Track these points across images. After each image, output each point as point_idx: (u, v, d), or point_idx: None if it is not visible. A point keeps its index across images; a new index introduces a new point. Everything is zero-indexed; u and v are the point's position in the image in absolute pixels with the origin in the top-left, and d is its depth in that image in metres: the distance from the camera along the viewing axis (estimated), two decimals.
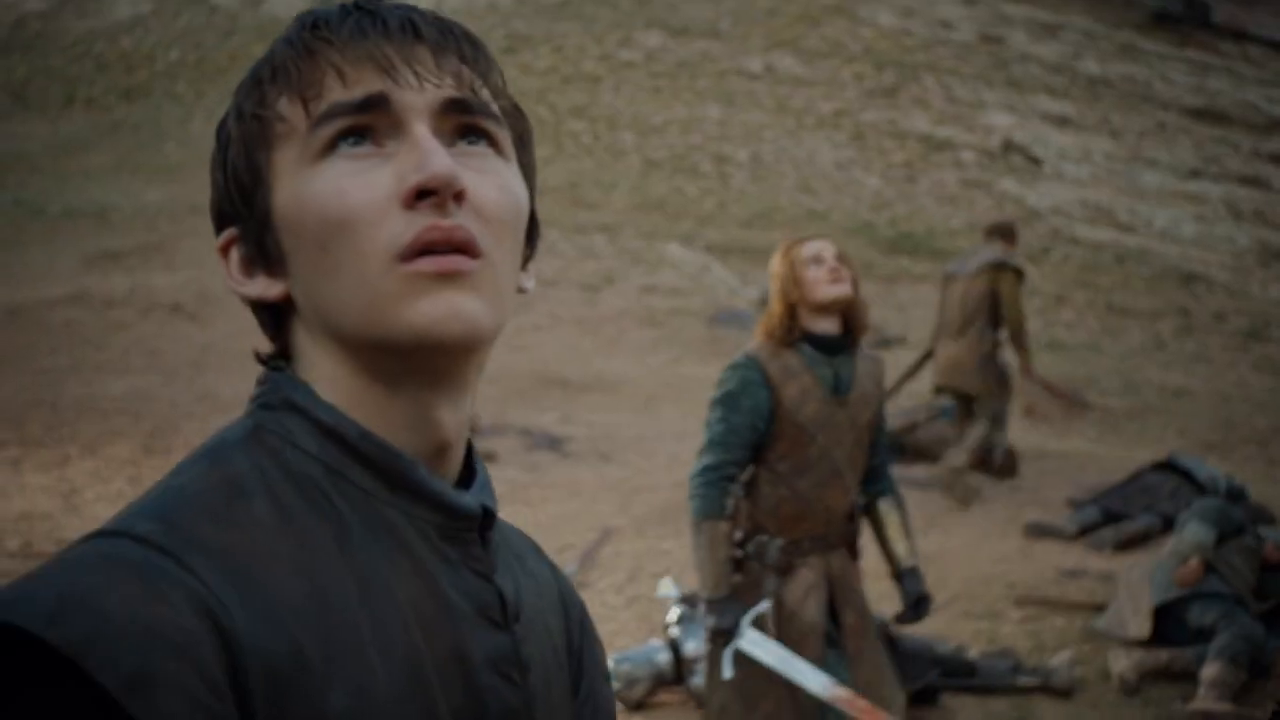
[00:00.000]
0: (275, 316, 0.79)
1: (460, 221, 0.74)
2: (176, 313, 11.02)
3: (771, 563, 2.87)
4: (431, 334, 0.73)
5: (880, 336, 11.12)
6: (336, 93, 0.75)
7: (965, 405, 6.80)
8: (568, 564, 5.52)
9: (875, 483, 3.07)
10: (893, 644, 4.24)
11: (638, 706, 4.21)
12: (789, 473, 2.87)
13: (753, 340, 2.95)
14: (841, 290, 2.86)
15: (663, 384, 9.36)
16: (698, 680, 4.15)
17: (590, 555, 5.67)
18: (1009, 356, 6.77)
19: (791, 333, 2.87)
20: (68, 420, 7.90)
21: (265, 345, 0.80)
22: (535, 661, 0.81)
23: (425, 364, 0.75)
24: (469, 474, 0.80)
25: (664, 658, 4.22)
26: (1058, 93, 21.18)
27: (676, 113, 18.21)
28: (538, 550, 0.90)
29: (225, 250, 0.80)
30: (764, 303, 11.44)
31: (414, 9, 0.78)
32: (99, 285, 11.71)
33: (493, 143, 0.78)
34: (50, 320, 10.71)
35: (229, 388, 8.74)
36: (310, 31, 0.77)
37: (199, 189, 15.88)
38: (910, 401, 8.37)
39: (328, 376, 0.76)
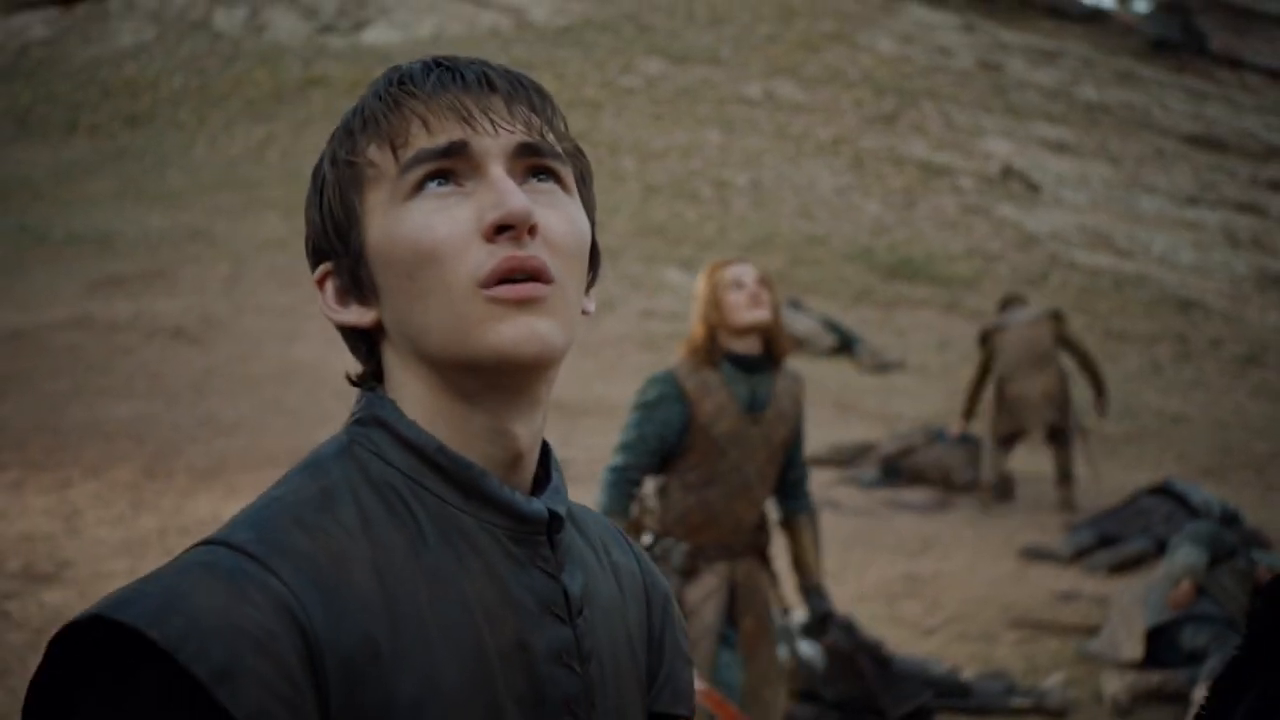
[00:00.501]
0: (367, 342, 0.88)
1: (534, 252, 0.83)
2: (179, 337, 11.08)
3: (676, 565, 3.00)
4: (511, 354, 0.82)
5: (879, 361, 11.17)
6: (422, 140, 0.85)
7: (1051, 434, 7.37)
8: None
9: (794, 498, 3.18)
10: (887, 664, 4.28)
11: None
12: (699, 482, 2.99)
13: (676, 355, 3.07)
14: (759, 316, 2.98)
15: None
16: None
17: None
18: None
19: (712, 353, 2.99)
20: (70, 443, 7.95)
21: (355, 368, 0.90)
22: (599, 652, 0.88)
23: (503, 381, 0.84)
24: (546, 477, 0.89)
25: None
26: (1056, 119, 21.31)
27: (677, 139, 18.33)
28: (624, 539, 0.98)
29: (321, 282, 0.89)
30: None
31: (487, 64, 0.89)
32: (102, 310, 11.78)
33: (559, 181, 0.87)
34: (53, 344, 10.77)
35: (231, 411, 8.80)
36: (398, 86, 0.86)
37: (201, 215, 16.00)
38: (906, 426, 8.41)
39: (413, 395, 0.85)
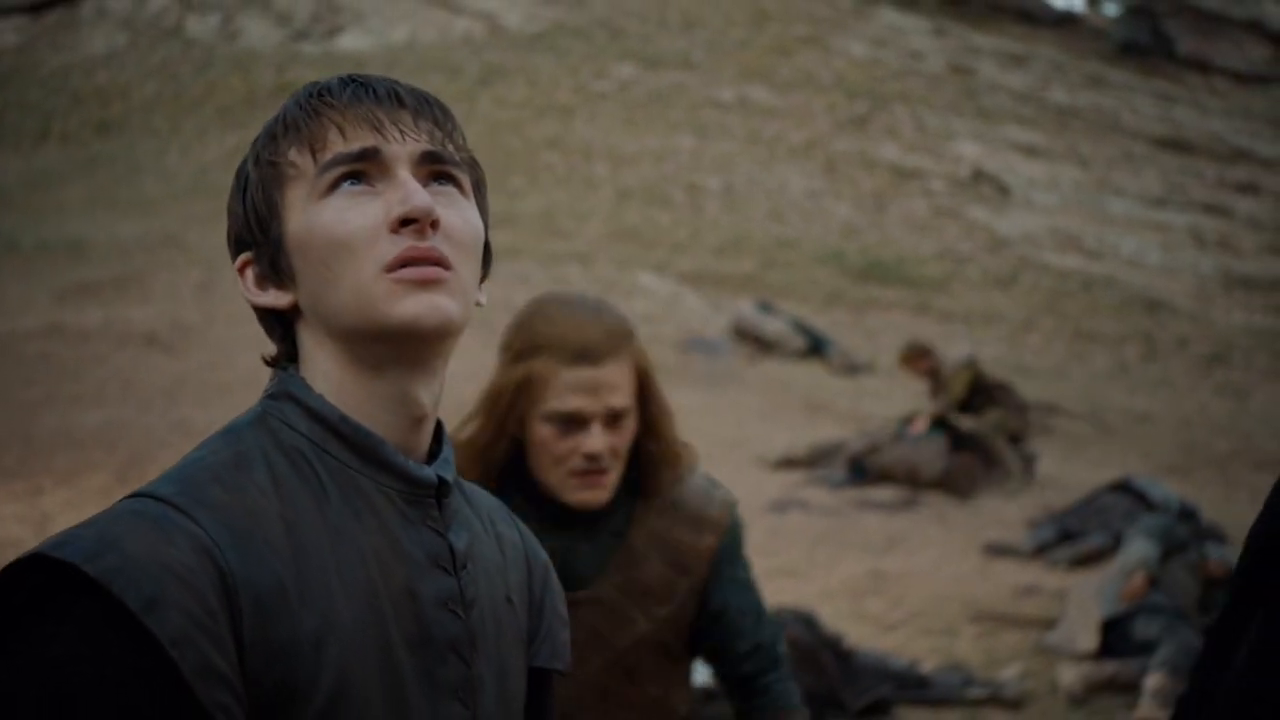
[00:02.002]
0: (282, 323, 0.99)
1: (435, 244, 0.95)
2: (151, 344, 11.08)
3: None
4: (415, 324, 0.94)
5: (849, 362, 11.28)
6: (338, 145, 0.97)
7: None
8: None
9: (756, 700, 1.79)
10: (848, 658, 4.36)
11: None
12: None
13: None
14: (595, 497, 1.74)
15: None
16: None
17: None
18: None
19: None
20: (42, 451, 7.95)
21: (271, 350, 1.01)
22: (480, 602, 1.00)
23: (407, 352, 0.96)
24: (438, 450, 1.01)
25: None
26: (1026, 122, 21.51)
27: (649, 143, 18.42)
28: (508, 514, 1.11)
29: (242, 269, 1.00)
30: (736, 331, 11.61)
31: (397, 82, 1.01)
32: (73, 318, 11.77)
33: (458, 185, 1.00)
34: (25, 352, 10.76)
35: (203, 417, 8.82)
36: (317, 98, 0.98)
37: (174, 222, 15.98)
38: (875, 427, 8.51)
39: (324, 370, 0.97)
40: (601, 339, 1.58)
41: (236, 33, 23.13)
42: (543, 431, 1.59)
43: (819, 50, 23.96)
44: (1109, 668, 4.60)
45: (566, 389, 1.58)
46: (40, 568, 0.86)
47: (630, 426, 1.62)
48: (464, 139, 1.01)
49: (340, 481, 0.95)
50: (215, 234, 15.82)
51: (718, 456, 8.72)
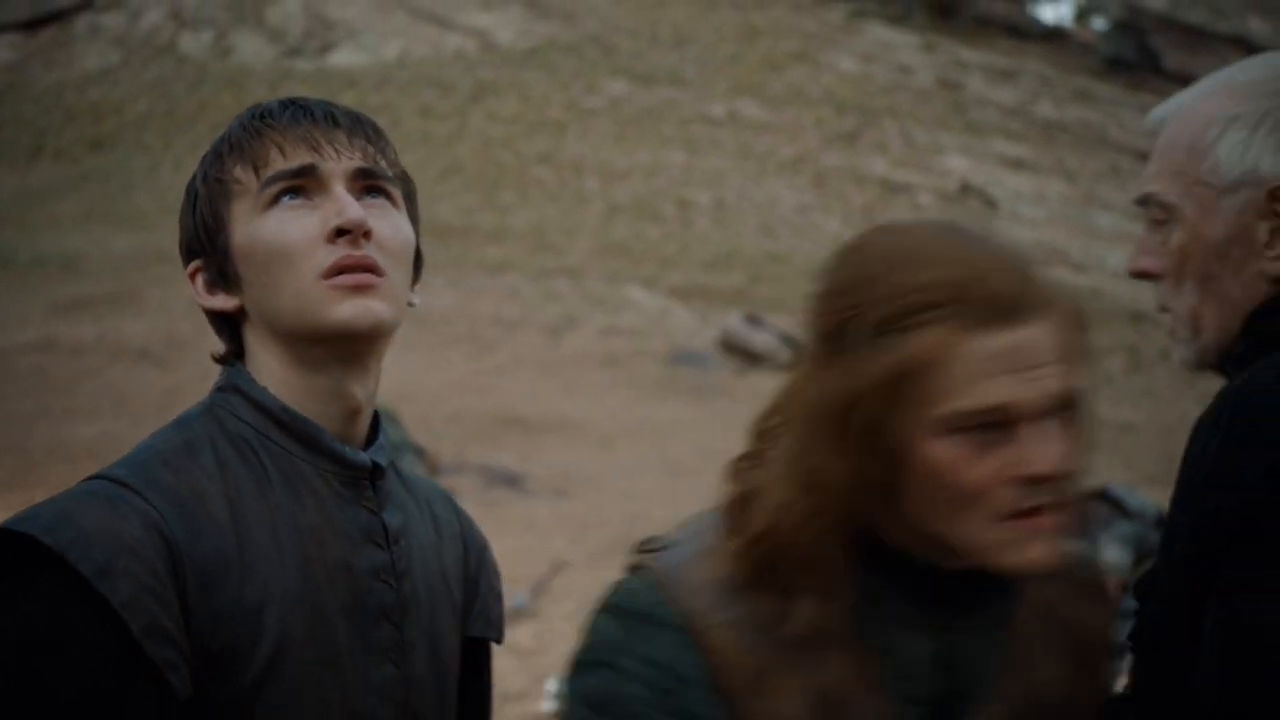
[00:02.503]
0: (230, 324, 1.09)
1: (368, 252, 1.04)
2: (144, 358, 11.17)
3: None
4: (350, 327, 1.04)
5: None
6: (279, 163, 1.06)
7: None
8: (519, 594, 5.71)
9: None
10: None
11: None
12: None
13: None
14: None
15: (621, 424, 9.58)
16: None
17: (542, 586, 5.86)
18: None
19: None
20: (35, 463, 8.04)
21: (219, 347, 1.11)
22: (413, 574, 1.09)
23: (343, 351, 1.05)
24: (375, 437, 1.10)
25: None
26: (1014, 136, 21.69)
27: (640, 158, 18.56)
28: (448, 500, 1.19)
29: (193, 276, 1.10)
30: (723, 345, 11.72)
31: (333, 104, 1.10)
32: (67, 332, 11.86)
33: (389, 198, 1.08)
34: (18, 367, 10.84)
35: None
36: (260, 120, 1.08)
37: (167, 237, 16.01)
38: None
39: (267, 366, 1.07)
40: (1024, 284, 0.96)
41: (229, 50, 23.27)
42: (942, 451, 0.96)
43: (809, 66, 24.14)
44: None
45: (981, 370, 0.96)
46: (4, 540, 0.96)
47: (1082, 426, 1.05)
48: (395, 155, 1.10)
49: (281, 466, 1.04)
50: None
51: (705, 467, 8.84)
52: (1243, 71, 1.31)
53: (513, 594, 5.76)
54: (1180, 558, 1.10)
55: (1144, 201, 1.27)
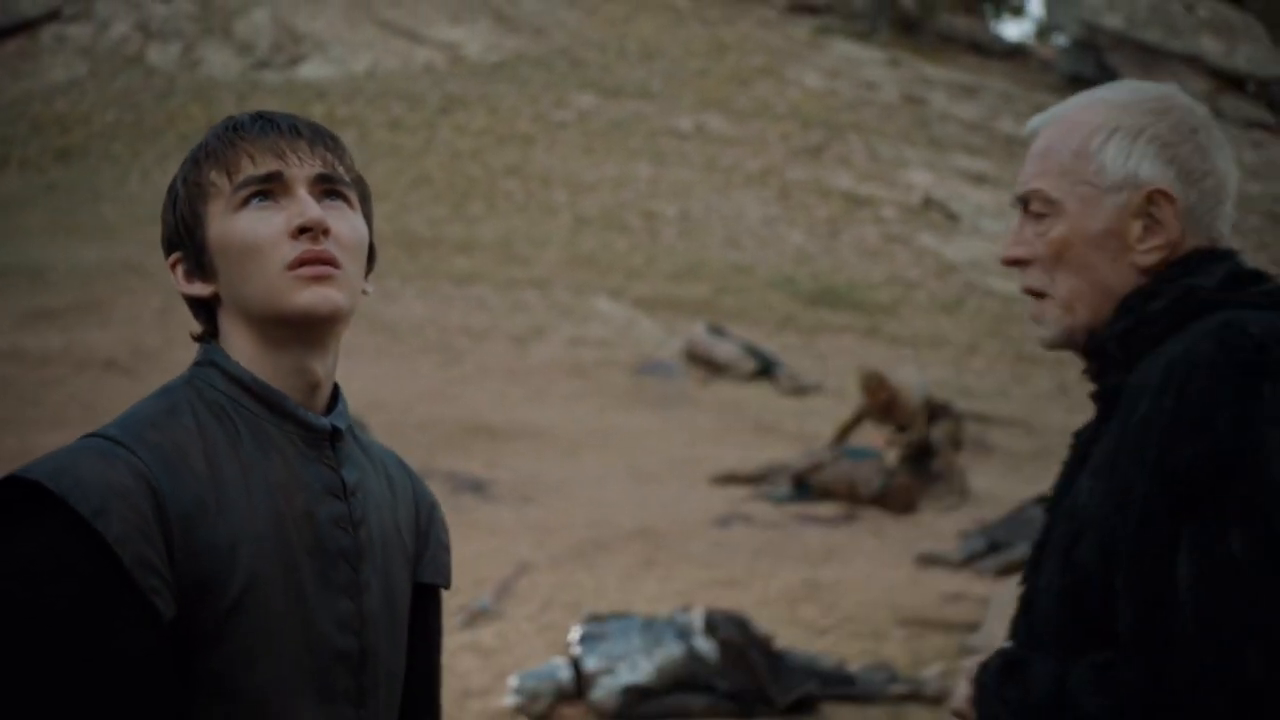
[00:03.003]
0: (206, 308, 1.27)
1: (326, 247, 1.22)
2: (110, 368, 11.22)
3: None
4: (310, 311, 1.22)
5: (797, 384, 11.58)
6: (249, 169, 1.23)
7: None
8: (483, 596, 5.84)
9: None
10: (777, 658, 4.61)
11: (541, 719, 4.52)
12: None
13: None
14: None
15: (587, 432, 9.72)
16: (598, 694, 4.48)
17: (506, 587, 5.99)
18: None
19: None
20: (2, 471, 8.08)
21: (197, 329, 1.29)
22: (368, 524, 1.27)
23: (304, 332, 1.23)
24: (334, 404, 1.30)
25: (565, 674, 4.55)
26: (976, 151, 22.02)
27: (608, 171, 18.73)
28: (401, 464, 1.38)
29: (174, 266, 1.29)
30: (689, 355, 11.89)
31: (296, 117, 1.29)
32: (34, 342, 11.88)
33: (346, 200, 1.28)
34: None
35: None
36: (232, 131, 1.26)
37: (134, 248, 16.08)
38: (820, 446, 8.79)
39: (239, 345, 1.25)
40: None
41: (198, 61, 23.27)
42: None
43: (775, 81, 24.41)
44: None
45: None
46: (13, 486, 1.13)
47: None
48: (352, 162, 1.29)
49: (252, 428, 1.23)
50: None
51: (669, 475, 8.98)
52: (1112, 91, 1.52)
53: (477, 596, 5.88)
54: (1150, 511, 1.28)
55: (1027, 198, 1.47)
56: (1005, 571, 6.23)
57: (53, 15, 24.91)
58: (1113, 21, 24.55)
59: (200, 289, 1.26)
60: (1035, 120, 1.52)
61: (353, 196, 1.27)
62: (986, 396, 11.72)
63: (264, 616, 1.19)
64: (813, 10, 28.37)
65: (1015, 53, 28.88)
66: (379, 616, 1.27)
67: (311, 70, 22.82)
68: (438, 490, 8.30)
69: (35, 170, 19.86)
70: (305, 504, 1.23)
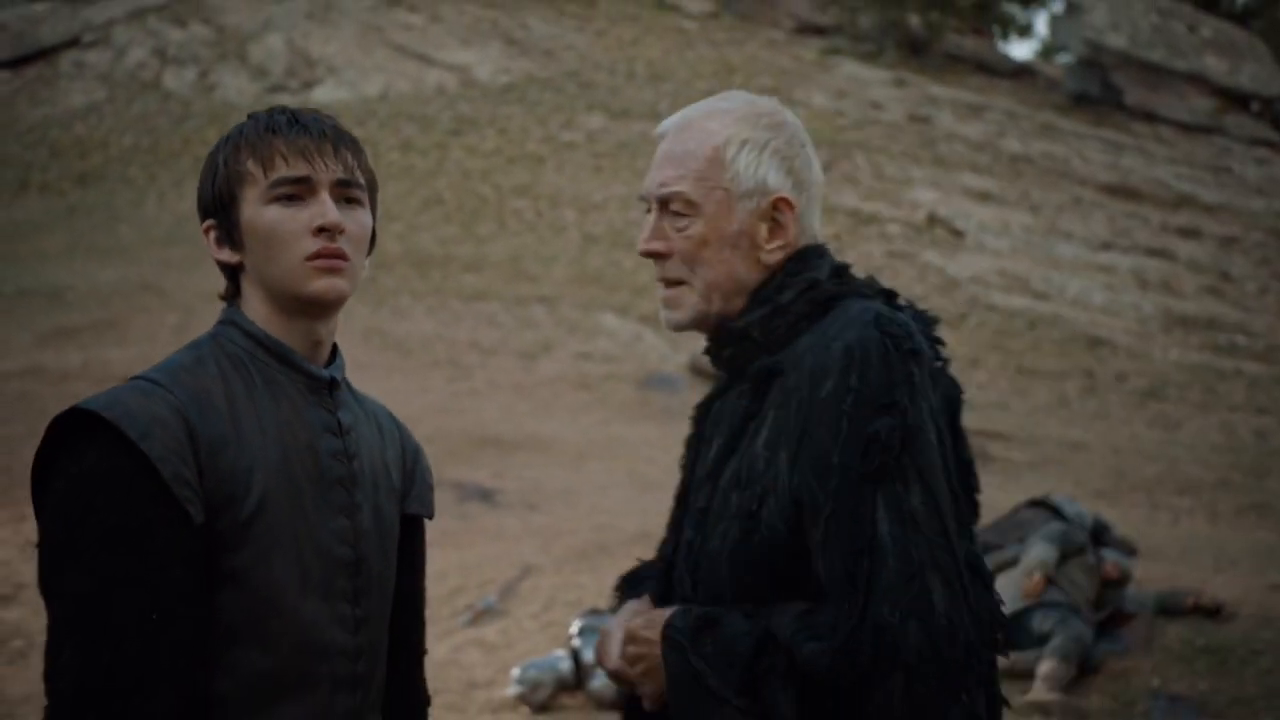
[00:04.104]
0: (232, 272, 1.57)
1: (340, 245, 1.53)
2: None
3: None
4: (321, 297, 1.52)
5: None
6: (282, 170, 1.53)
7: None
8: (488, 595, 6.05)
9: None
10: None
11: (542, 709, 4.73)
12: None
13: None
14: None
15: (593, 443, 9.93)
16: (596, 684, 4.68)
17: (510, 588, 6.20)
18: None
19: None
20: (23, 482, 8.26)
21: (222, 288, 1.57)
22: (361, 457, 1.56)
23: (313, 310, 1.54)
24: (333, 360, 1.59)
25: (566, 665, 4.76)
26: (981, 169, 22.21)
27: (616, 190, 18.99)
28: (390, 415, 1.68)
29: (207, 231, 1.57)
30: (693, 369, 12.09)
31: (322, 120, 1.55)
32: (53, 360, 12.15)
33: (359, 202, 1.57)
34: (6, 392, 11.13)
35: None
36: (269, 130, 1.52)
37: (151, 268, 16.38)
38: None
39: (257, 309, 1.55)
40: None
41: (213, 86, 23.66)
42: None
43: (783, 101, 24.55)
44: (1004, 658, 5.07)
45: None
46: (75, 416, 1.44)
47: None
48: (367, 160, 1.58)
49: (265, 377, 1.52)
50: (191, 279, 16.27)
51: (671, 482, 9.16)
52: (731, 103, 1.79)
53: (482, 596, 6.09)
54: (848, 475, 1.50)
55: (668, 199, 1.68)
56: (993, 571, 6.42)
57: (72, 42, 25.34)
58: (1117, 41, 24.76)
59: (229, 256, 1.55)
60: (665, 124, 1.74)
61: (364, 196, 1.55)
62: (987, 409, 11.89)
63: (275, 527, 1.46)
64: (820, 32, 28.65)
65: (1021, 72, 29.09)
66: (370, 533, 1.55)
67: (325, 93, 23.17)
68: (446, 499, 8.56)
69: (55, 194, 20.22)
70: (308, 439, 1.52)
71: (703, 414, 1.71)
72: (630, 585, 1.74)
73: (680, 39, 26.69)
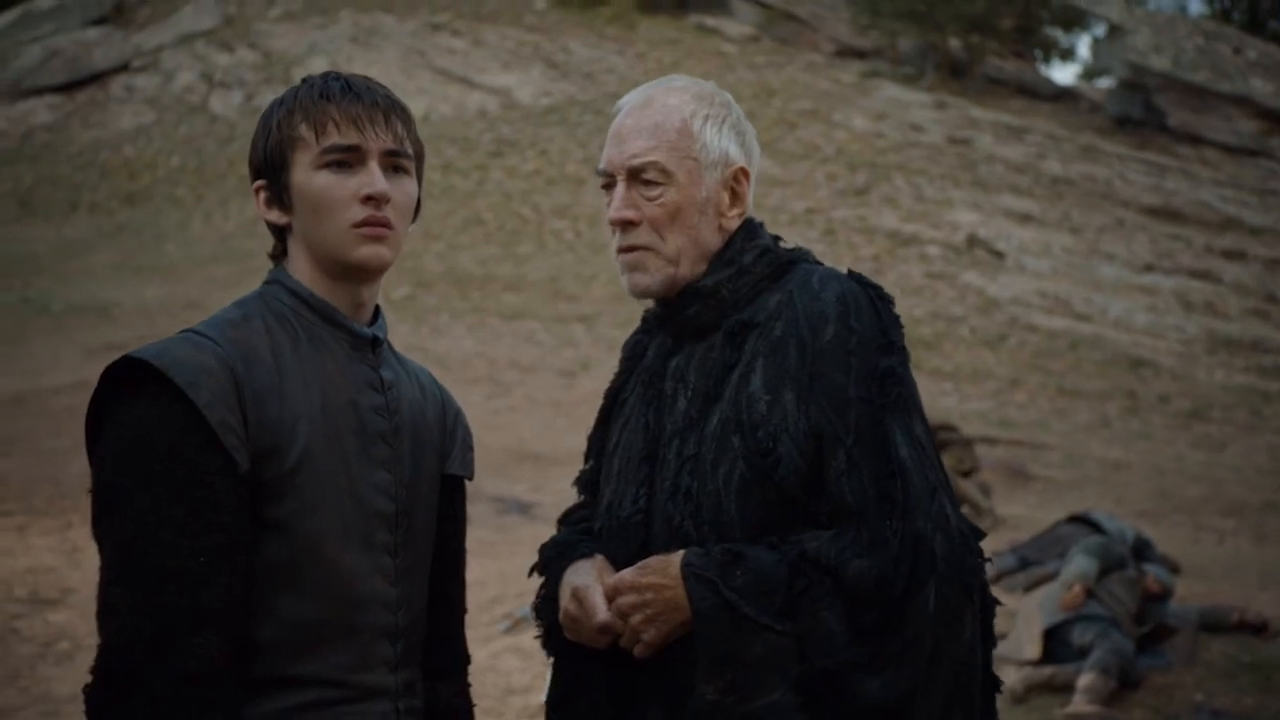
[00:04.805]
0: (280, 232, 1.60)
1: (386, 214, 1.56)
2: None
3: None
4: (366, 263, 1.57)
5: None
6: (334, 136, 1.55)
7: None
8: (525, 604, 6.07)
9: None
10: None
11: None
12: None
13: None
14: None
15: None
16: None
17: None
18: None
19: None
20: (70, 492, 8.46)
21: (270, 247, 1.61)
22: (402, 412, 1.59)
23: (359, 274, 1.58)
24: (375, 320, 1.62)
25: None
26: (1022, 191, 22.11)
27: None
28: (431, 376, 1.71)
29: (257, 191, 1.59)
30: None
31: (374, 89, 1.56)
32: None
33: (406, 171, 1.60)
34: (54, 406, 11.31)
35: None
36: (323, 97, 1.56)
37: (196, 287, 16.62)
38: None
39: (303, 269, 1.59)
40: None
41: (259, 108, 23.98)
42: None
43: (822, 124, 24.68)
44: (1046, 670, 5.03)
45: None
46: (126, 365, 1.48)
47: None
48: (416, 131, 1.61)
49: (309, 333, 1.55)
50: (235, 296, 16.55)
51: None
52: (683, 82, 1.84)
53: (520, 605, 6.11)
54: (866, 406, 1.62)
55: (643, 168, 1.74)
56: (1032, 587, 6.37)
57: (122, 67, 25.83)
58: (1160, 63, 24.61)
59: (277, 217, 1.58)
60: (623, 101, 1.81)
61: (411, 166, 1.58)
62: (1028, 428, 11.81)
63: (318, 479, 1.49)
64: (860, 55, 28.69)
65: (1063, 95, 28.96)
66: (410, 487, 1.58)
67: None
68: (485, 512, 8.60)
69: (104, 214, 20.58)
70: (351, 394, 1.54)
71: (656, 374, 1.77)
72: (560, 553, 1.79)
73: (720, 62, 26.80)
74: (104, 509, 1.47)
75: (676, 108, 1.76)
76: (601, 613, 1.64)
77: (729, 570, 1.59)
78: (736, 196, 1.77)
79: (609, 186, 1.77)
